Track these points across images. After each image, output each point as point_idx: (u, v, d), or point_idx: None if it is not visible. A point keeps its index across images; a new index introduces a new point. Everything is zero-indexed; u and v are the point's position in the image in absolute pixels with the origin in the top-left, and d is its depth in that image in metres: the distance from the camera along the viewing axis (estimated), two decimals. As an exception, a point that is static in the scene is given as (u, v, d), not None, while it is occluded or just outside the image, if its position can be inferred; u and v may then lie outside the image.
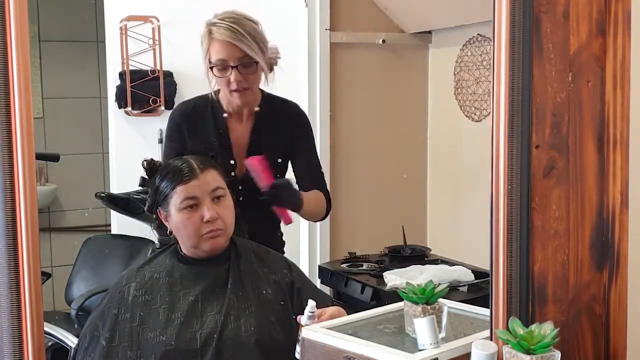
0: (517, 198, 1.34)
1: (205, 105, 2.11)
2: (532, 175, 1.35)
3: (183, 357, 1.61)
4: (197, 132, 2.09)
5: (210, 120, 2.10)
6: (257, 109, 2.11)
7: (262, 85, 2.11)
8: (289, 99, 2.18)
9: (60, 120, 3.62)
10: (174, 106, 2.36)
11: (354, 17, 3.08)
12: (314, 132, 2.24)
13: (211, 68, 2.01)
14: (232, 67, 1.99)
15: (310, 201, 2.07)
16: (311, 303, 1.53)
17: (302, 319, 1.52)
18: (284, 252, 2.12)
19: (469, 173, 2.89)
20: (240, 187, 1.99)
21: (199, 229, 1.71)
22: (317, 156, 2.21)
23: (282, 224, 2.16)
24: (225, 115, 2.09)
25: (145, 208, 1.81)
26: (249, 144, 2.10)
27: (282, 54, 2.11)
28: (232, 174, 2.02)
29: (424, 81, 3.19)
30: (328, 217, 2.22)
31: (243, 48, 1.97)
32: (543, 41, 1.35)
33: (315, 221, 2.18)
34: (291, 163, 2.17)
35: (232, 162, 2.07)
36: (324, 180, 2.21)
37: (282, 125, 2.13)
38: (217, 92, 2.11)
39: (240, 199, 1.91)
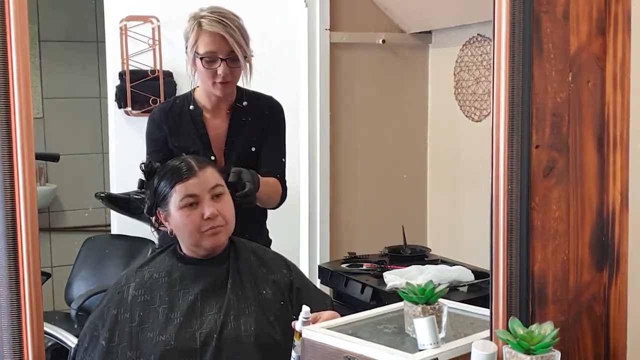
0: (517, 198, 1.34)
1: (183, 104, 2.16)
2: (532, 176, 1.35)
3: (182, 356, 1.62)
4: (177, 130, 2.13)
5: (189, 118, 2.14)
6: (235, 104, 2.15)
7: (240, 82, 2.14)
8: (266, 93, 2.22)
9: (60, 120, 3.62)
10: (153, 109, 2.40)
11: (354, 17, 3.08)
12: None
13: (200, 59, 2.03)
14: (221, 60, 2.02)
15: (268, 185, 2.10)
16: (305, 309, 1.52)
17: (297, 325, 1.52)
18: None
19: (469, 173, 2.89)
20: None
21: (200, 226, 1.71)
22: (284, 147, 2.24)
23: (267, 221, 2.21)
24: (203, 112, 2.14)
25: (144, 210, 1.81)
26: (226, 138, 2.14)
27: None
28: None
29: (424, 81, 3.18)
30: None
31: (232, 42, 2.01)
32: (543, 41, 1.35)
33: (270, 208, 2.23)
34: (258, 150, 2.21)
35: (212, 157, 2.11)
36: (284, 171, 2.24)
37: (257, 118, 2.17)
38: (194, 90, 2.16)
39: None
